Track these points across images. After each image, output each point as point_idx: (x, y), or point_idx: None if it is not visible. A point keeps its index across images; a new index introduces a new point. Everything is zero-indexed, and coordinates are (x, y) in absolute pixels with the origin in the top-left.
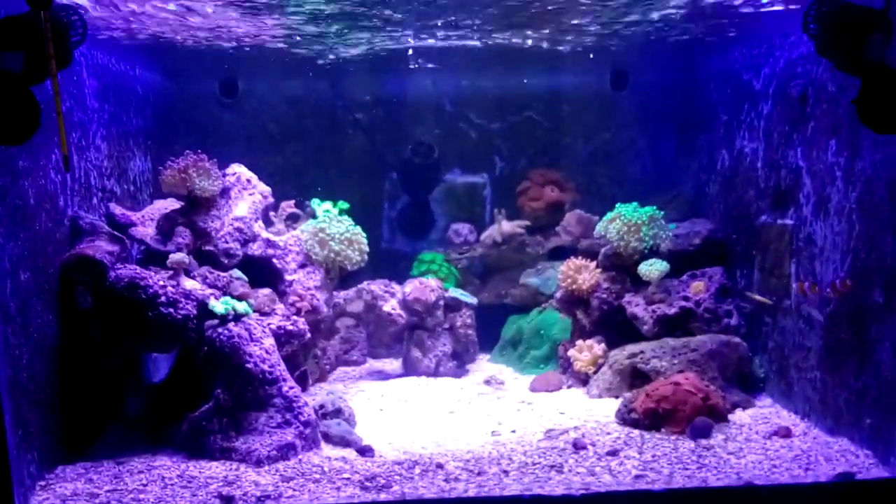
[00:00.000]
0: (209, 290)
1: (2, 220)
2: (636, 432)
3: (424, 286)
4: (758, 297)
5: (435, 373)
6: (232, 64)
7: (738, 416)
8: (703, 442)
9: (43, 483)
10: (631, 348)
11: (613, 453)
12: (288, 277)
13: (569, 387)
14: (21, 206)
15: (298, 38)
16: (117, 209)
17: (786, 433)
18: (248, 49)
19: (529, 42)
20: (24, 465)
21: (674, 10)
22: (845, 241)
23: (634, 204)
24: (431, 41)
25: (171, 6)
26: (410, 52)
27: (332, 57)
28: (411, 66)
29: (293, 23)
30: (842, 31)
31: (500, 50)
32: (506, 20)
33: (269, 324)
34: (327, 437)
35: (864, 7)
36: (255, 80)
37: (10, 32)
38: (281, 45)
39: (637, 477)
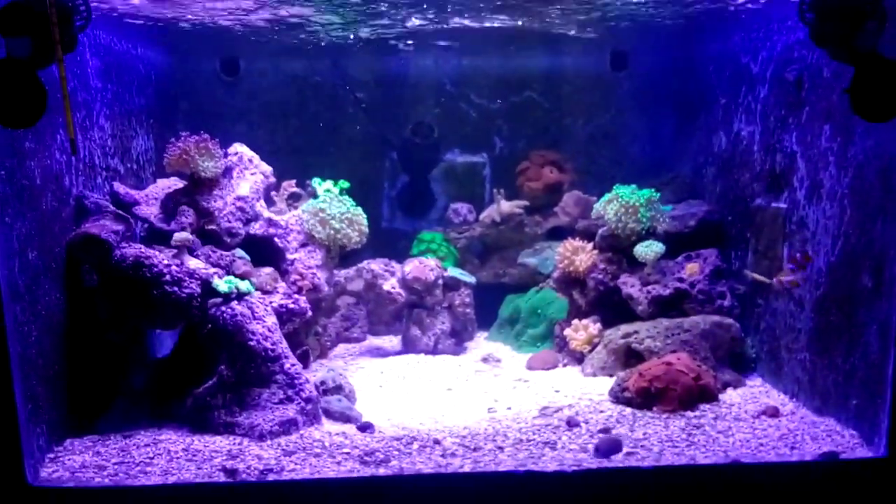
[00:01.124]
0: (213, 269)
1: (9, 200)
2: (628, 410)
3: (424, 265)
4: (757, 277)
5: (433, 350)
6: (233, 43)
7: (729, 395)
8: (606, 461)
9: (52, 455)
10: (625, 328)
11: (606, 431)
12: (289, 256)
13: (564, 365)
14: (28, 187)
15: (304, 26)
16: (121, 188)
17: (774, 413)
18: (250, 29)
19: (529, 23)
20: (34, 438)
21: None
22: (836, 225)
23: (632, 186)
24: (431, 24)
25: None
26: (409, 34)
27: (334, 38)
28: (411, 46)
29: (302, 12)
30: (837, 19)
31: (499, 31)
32: (507, 3)
33: (271, 302)
34: (328, 413)
35: None
36: (257, 59)
37: (16, 18)
38: (283, 27)
39: (627, 454)
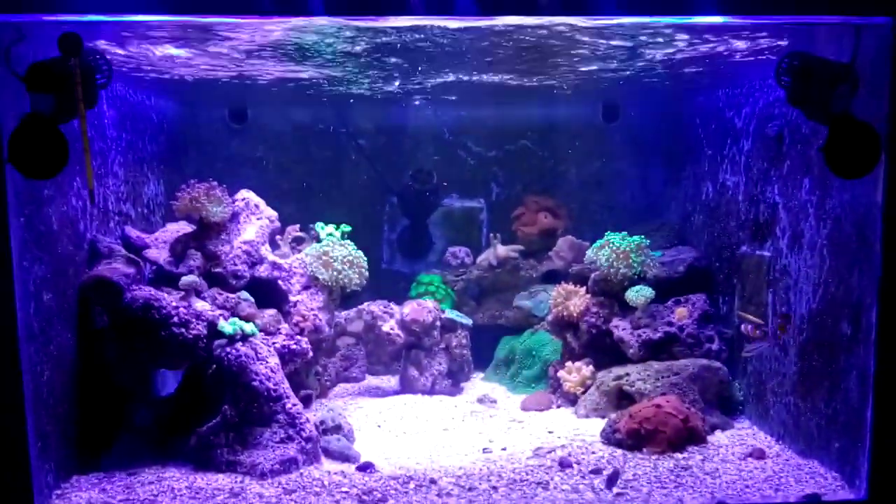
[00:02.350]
0: (218, 311)
1: (28, 245)
2: (619, 452)
3: (422, 307)
4: (752, 318)
5: (431, 391)
6: (241, 93)
7: (717, 437)
8: (613, 490)
9: (59, 492)
10: (617, 370)
11: (597, 472)
12: (292, 298)
13: (558, 406)
14: (45, 232)
15: (309, 81)
16: (133, 232)
17: (760, 455)
18: (258, 82)
19: (525, 81)
20: (43, 475)
21: (663, 56)
22: (817, 274)
23: (624, 233)
24: (431, 81)
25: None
26: (410, 90)
27: (340, 90)
28: (414, 102)
29: (309, 70)
30: (811, 83)
31: (497, 86)
32: (503, 65)
33: (274, 343)
34: (327, 452)
35: (831, 61)
36: (264, 108)
37: (42, 76)
38: (291, 82)
39: (617, 495)
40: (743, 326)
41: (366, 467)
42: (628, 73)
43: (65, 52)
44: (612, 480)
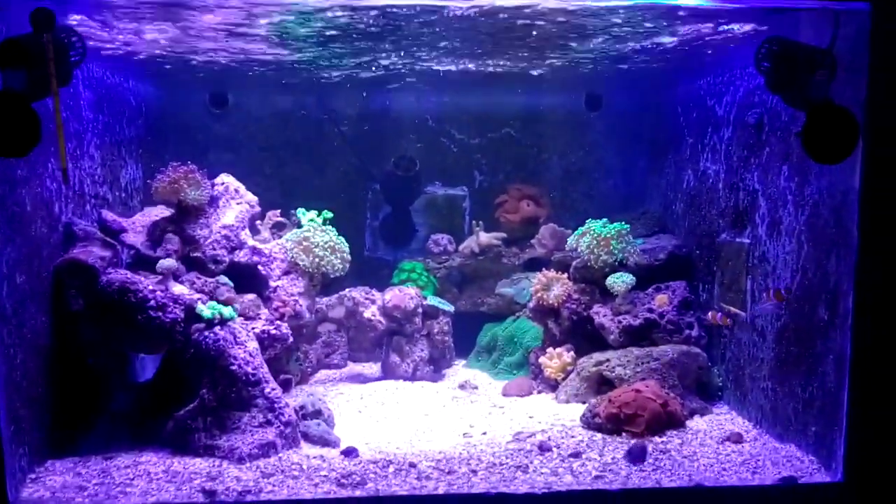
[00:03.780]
0: (197, 295)
1: (0, 226)
2: (599, 436)
3: (404, 294)
4: (732, 309)
5: (412, 377)
6: (222, 77)
7: (696, 422)
8: (639, 465)
9: (33, 476)
10: (598, 356)
11: (576, 455)
12: (272, 284)
13: (539, 392)
14: (18, 213)
15: (290, 63)
16: (109, 215)
17: (737, 439)
18: (237, 66)
19: (509, 67)
20: (16, 459)
21: (644, 44)
22: (795, 260)
23: (604, 220)
24: (416, 65)
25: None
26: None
27: (322, 75)
28: (395, 85)
29: (286, 51)
30: (790, 68)
31: (480, 73)
32: (488, 51)
33: (253, 328)
34: (307, 437)
35: (811, 46)
36: (244, 92)
37: (14, 53)
38: (272, 65)
39: (596, 477)
40: (710, 314)
41: (349, 452)
42: (609, 61)
43: (37, 28)
44: (635, 454)
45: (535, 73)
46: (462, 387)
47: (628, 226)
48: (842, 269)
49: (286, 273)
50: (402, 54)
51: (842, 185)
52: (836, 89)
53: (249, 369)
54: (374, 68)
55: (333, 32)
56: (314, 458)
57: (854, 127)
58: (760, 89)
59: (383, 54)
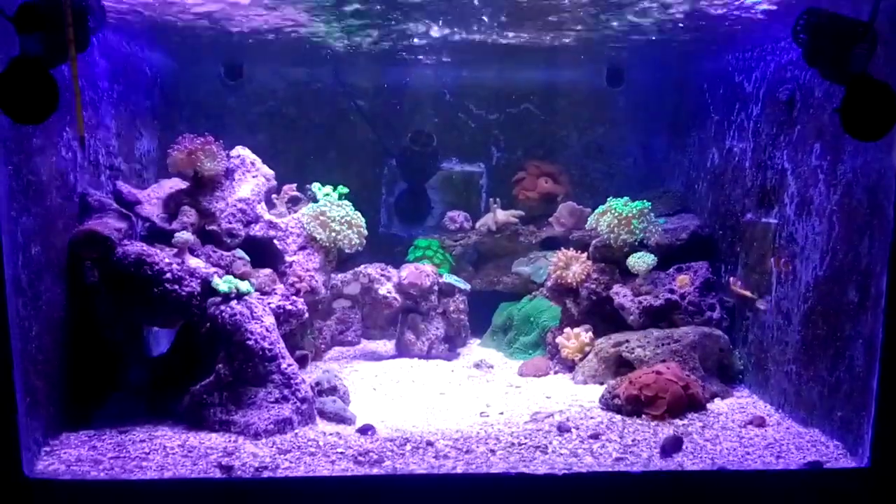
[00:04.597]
0: (213, 269)
1: (15, 195)
2: (618, 417)
3: (420, 271)
4: (743, 292)
5: (427, 355)
6: (237, 48)
7: (717, 405)
8: (676, 458)
9: (48, 449)
10: (616, 337)
11: (595, 436)
12: (288, 258)
13: (556, 372)
14: (34, 182)
15: (304, 31)
16: (124, 187)
17: (760, 423)
18: (253, 36)
19: (529, 39)
20: (31, 432)
21: (668, 17)
22: (825, 241)
23: (626, 198)
24: (435, 34)
25: None
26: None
27: (337, 46)
28: (415, 57)
29: (305, 17)
30: (829, 41)
31: (500, 45)
32: (509, 20)
33: (269, 303)
34: (322, 414)
35: (851, 19)
36: (259, 64)
37: (31, 17)
38: (289, 34)
39: (617, 459)
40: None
41: (366, 430)
42: (633, 35)
43: None
44: (668, 448)
45: (556, 45)
46: (477, 366)
47: (650, 204)
48: (875, 251)
49: (302, 248)
50: (422, 24)
51: (877, 163)
52: (876, 64)
53: (266, 344)
54: (392, 40)
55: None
56: (330, 434)
57: (894, 103)
58: (793, 64)
59: (403, 25)
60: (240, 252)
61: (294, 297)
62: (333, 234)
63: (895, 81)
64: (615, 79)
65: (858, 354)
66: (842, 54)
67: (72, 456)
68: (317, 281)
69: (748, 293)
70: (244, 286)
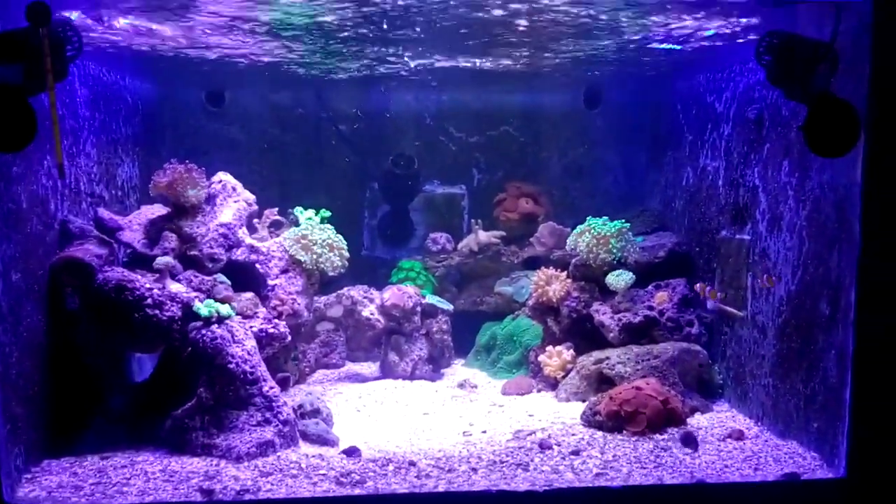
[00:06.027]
0: (194, 293)
1: None
2: (599, 434)
3: (402, 292)
4: (729, 310)
5: (411, 376)
6: (219, 75)
7: (697, 419)
8: (690, 450)
9: (29, 476)
10: (597, 354)
11: (577, 453)
12: (270, 282)
13: (539, 391)
14: (14, 210)
15: (288, 61)
16: (105, 213)
17: (739, 436)
18: (235, 62)
19: (509, 64)
20: (12, 459)
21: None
22: (796, 256)
23: (604, 218)
24: (413, 63)
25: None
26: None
27: (318, 74)
28: (396, 83)
29: (285, 48)
30: (791, 61)
31: (479, 70)
32: (488, 48)
33: (251, 326)
34: (305, 436)
35: (812, 39)
36: (242, 90)
37: (9, 46)
38: (269, 59)
39: (597, 475)
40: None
41: (351, 452)
42: (610, 56)
43: (33, 22)
44: (688, 440)
45: (533, 70)
46: (461, 386)
47: (628, 224)
48: (844, 264)
49: (284, 272)
50: (401, 51)
51: (844, 179)
52: (838, 83)
53: (247, 367)
54: (372, 66)
55: (330, 27)
56: (313, 456)
57: (856, 120)
58: (760, 84)
59: (381, 50)
60: (221, 277)
61: (276, 321)
62: (316, 257)
63: (858, 99)
64: (593, 101)
65: (831, 366)
66: (804, 74)
67: (53, 482)
68: (299, 304)
69: (730, 309)
70: (225, 310)
